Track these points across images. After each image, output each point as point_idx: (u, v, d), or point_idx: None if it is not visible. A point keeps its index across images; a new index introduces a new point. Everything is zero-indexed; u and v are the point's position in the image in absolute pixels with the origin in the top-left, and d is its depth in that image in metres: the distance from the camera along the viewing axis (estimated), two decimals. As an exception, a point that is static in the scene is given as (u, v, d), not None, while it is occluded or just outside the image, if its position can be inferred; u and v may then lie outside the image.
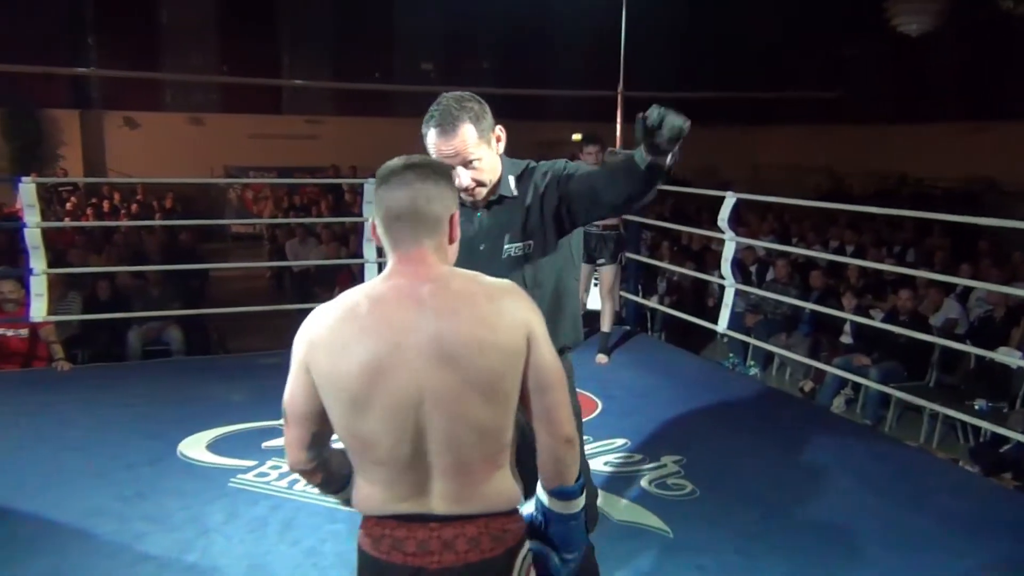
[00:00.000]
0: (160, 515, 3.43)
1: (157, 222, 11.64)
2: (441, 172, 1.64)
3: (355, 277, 8.27)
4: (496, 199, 2.26)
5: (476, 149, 2.12)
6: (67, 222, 11.44)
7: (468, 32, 17.63)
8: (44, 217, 5.62)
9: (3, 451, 4.06)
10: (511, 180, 2.25)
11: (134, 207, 14.18)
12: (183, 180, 16.25)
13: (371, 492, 1.60)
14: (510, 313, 1.55)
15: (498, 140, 2.20)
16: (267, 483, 3.74)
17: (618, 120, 7.35)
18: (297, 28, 18.69)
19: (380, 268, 7.30)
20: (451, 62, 18.56)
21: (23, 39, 15.18)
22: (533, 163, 2.31)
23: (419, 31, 18.35)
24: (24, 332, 5.61)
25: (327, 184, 15.39)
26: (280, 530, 3.32)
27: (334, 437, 1.64)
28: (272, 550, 3.17)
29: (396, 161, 1.63)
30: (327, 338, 1.54)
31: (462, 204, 2.13)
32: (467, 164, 2.13)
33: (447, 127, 2.08)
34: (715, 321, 6.24)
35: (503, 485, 1.60)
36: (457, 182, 2.05)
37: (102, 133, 17.35)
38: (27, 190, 5.36)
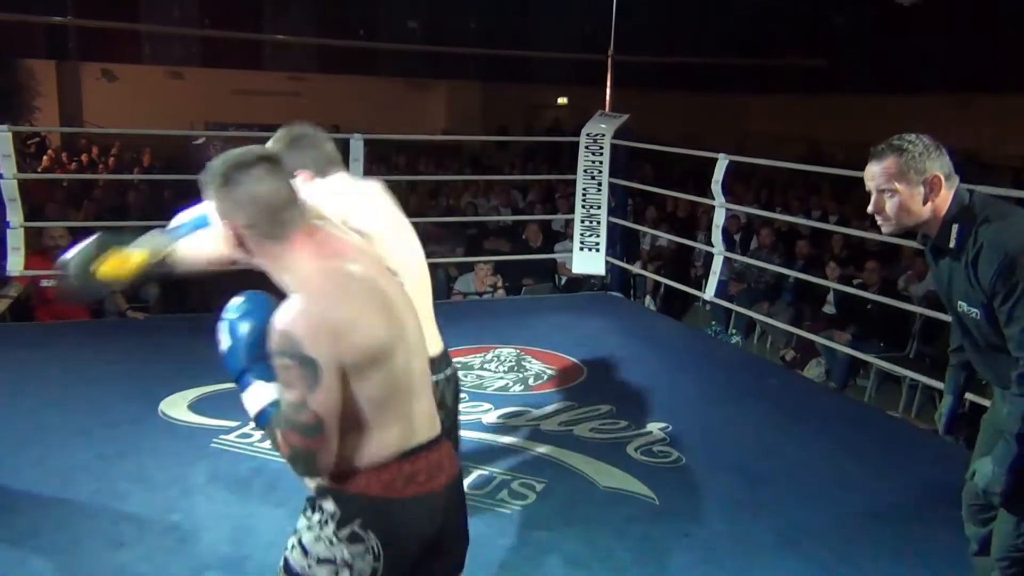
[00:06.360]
0: (142, 475, 3.39)
1: (137, 176, 11.45)
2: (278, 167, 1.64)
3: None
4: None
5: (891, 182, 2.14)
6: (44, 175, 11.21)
7: (455, -10, 17.33)
8: (19, 170, 5.48)
9: (-19, 407, 4.00)
10: (954, 228, 2.15)
11: (111, 162, 13.91)
12: (165, 132, 15.92)
13: (385, 438, 1.62)
14: None
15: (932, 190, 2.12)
16: (250, 444, 3.70)
17: (608, 85, 7.26)
18: (281, -18, 18.33)
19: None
20: (437, 21, 18.22)
21: (-2, -15, 14.78)
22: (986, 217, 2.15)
23: (405, -12, 18.05)
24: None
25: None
26: (263, 491, 3.30)
27: None
28: (256, 512, 3.15)
29: (248, 153, 1.60)
30: (352, 317, 1.54)
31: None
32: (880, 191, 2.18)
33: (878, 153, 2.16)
34: (698, 288, 6.24)
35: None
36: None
37: (79, 85, 17.00)
38: (3, 139, 5.23)
